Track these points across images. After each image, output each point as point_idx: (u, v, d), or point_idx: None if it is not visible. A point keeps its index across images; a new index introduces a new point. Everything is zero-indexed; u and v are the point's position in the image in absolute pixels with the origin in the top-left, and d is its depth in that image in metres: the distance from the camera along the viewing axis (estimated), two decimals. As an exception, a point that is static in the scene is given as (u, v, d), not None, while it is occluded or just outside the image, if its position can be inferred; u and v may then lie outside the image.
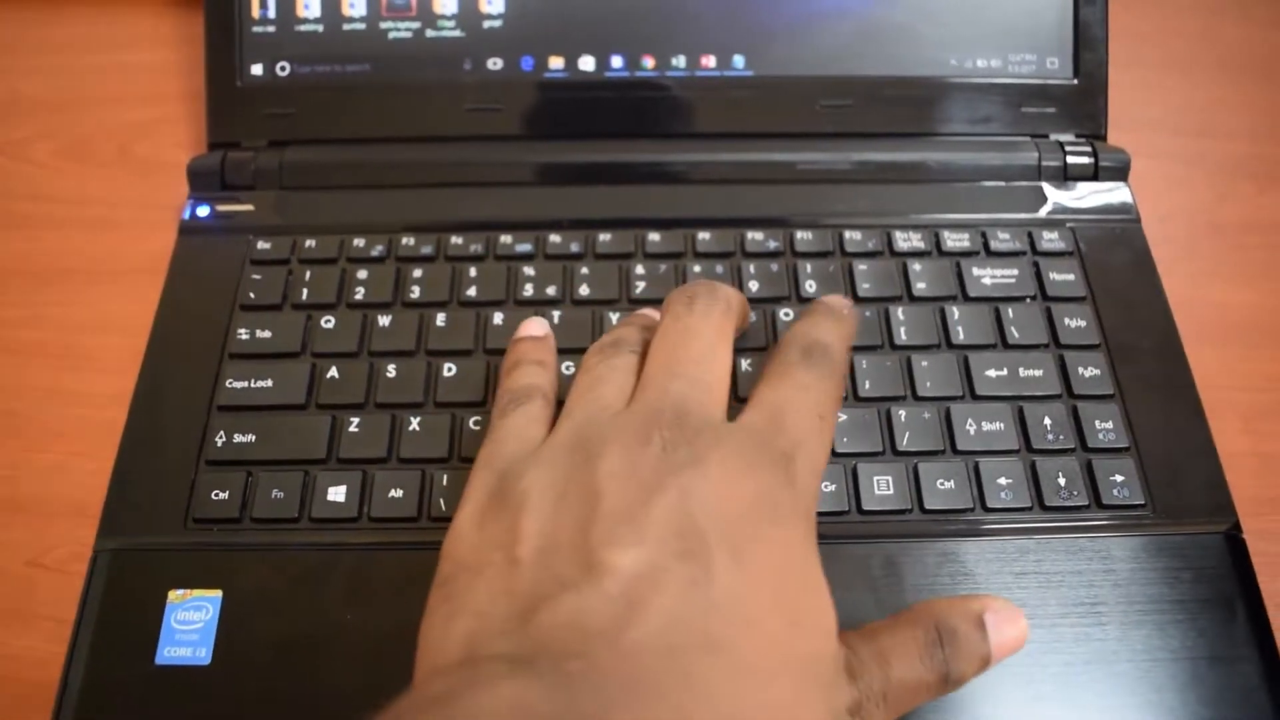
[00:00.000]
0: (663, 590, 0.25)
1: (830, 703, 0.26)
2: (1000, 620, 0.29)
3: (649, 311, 0.37)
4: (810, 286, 0.42)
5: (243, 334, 0.41)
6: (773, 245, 0.44)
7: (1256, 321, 0.45)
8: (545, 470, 0.28)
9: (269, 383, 0.40)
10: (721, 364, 0.32)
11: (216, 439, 0.38)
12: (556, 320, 0.41)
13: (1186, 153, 0.51)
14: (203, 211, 0.45)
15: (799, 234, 0.44)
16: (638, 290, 0.42)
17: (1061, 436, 0.38)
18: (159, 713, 0.34)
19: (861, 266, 0.43)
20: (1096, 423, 0.39)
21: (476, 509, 0.29)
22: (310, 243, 0.44)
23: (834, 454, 0.38)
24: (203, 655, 0.34)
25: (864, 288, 0.42)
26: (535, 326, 0.37)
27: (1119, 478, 0.37)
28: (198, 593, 0.35)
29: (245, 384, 0.40)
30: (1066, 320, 0.41)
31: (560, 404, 0.33)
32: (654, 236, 0.44)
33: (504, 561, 0.26)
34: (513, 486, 0.28)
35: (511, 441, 0.31)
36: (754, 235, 0.44)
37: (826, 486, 0.37)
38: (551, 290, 0.42)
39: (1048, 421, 0.39)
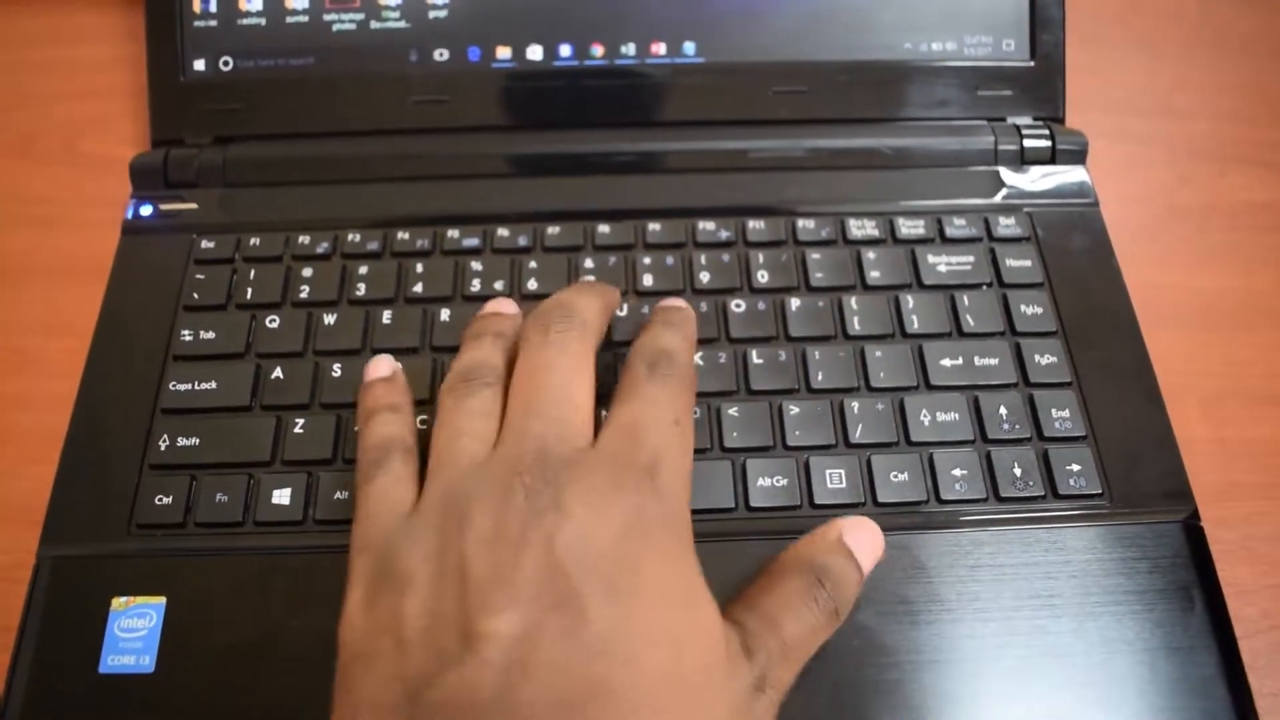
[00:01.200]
0: (541, 646, 0.25)
1: (732, 696, 0.27)
2: (858, 537, 0.32)
3: (500, 308, 0.37)
4: (763, 277, 0.42)
5: (186, 335, 0.40)
6: (724, 235, 0.43)
7: (1216, 305, 0.44)
8: (420, 544, 0.28)
9: (213, 384, 0.39)
10: (581, 390, 0.32)
11: (160, 442, 0.38)
12: (506, 316, 0.40)
13: (1147, 133, 0.50)
14: (145, 210, 0.44)
15: (751, 223, 0.43)
16: (588, 283, 0.42)
17: (1017, 426, 0.38)
18: None
19: (814, 255, 0.42)
20: (1053, 411, 0.38)
21: (362, 594, 0.29)
22: (254, 240, 0.43)
23: (786, 447, 0.37)
24: (146, 663, 0.34)
25: (817, 277, 0.42)
26: (382, 367, 0.36)
27: (1075, 467, 0.37)
28: (141, 600, 0.35)
29: (189, 386, 0.39)
30: (1023, 307, 0.41)
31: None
32: (603, 228, 0.43)
33: (392, 646, 0.26)
34: (392, 566, 0.28)
35: (383, 514, 0.30)
36: (705, 225, 0.43)
37: (778, 481, 0.37)
38: (499, 285, 0.42)
39: (1003, 411, 0.38)
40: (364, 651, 0.27)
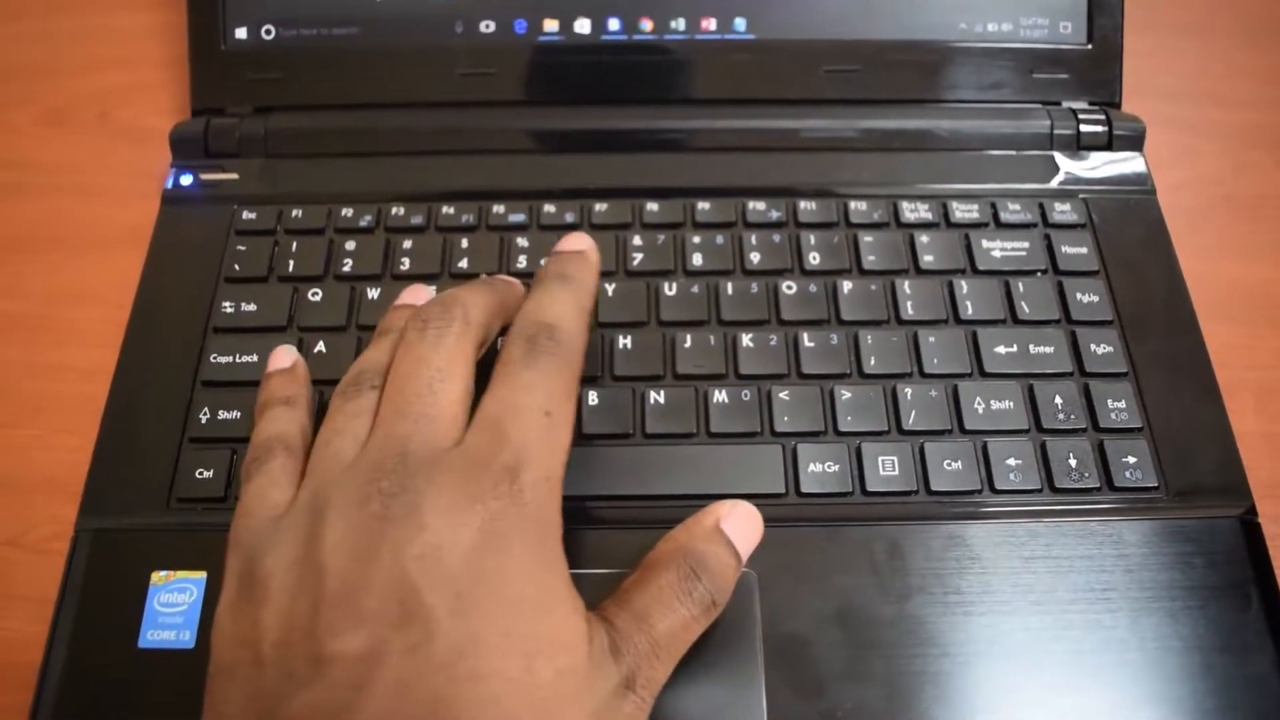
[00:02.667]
0: (385, 665, 0.25)
1: (594, 700, 0.26)
2: (736, 525, 0.31)
3: (414, 298, 0.35)
4: (814, 259, 0.41)
5: (227, 307, 0.40)
6: (775, 215, 0.42)
7: (1270, 297, 0.44)
8: (283, 549, 0.28)
9: (254, 357, 0.39)
10: (455, 386, 0.30)
11: (200, 415, 0.37)
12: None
13: (1200, 121, 0.49)
14: (186, 180, 0.44)
15: (802, 204, 0.42)
16: (635, 262, 0.41)
17: (1073, 416, 0.37)
18: (142, 696, 0.33)
19: (867, 238, 0.41)
20: (1109, 402, 0.38)
21: (230, 597, 0.28)
22: (297, 212, 0.42)
23: (837, 433, 0.37)
24: (187, 639, 0.33)
25: (869, 260, 0.41)
26: (283, 357, 0.35)
27: (1131, 459, 0.36)
28: (181, 574, 0.34)
29: (230, 359, 0.39)
30: (1078, 295, 0.40)
31: None
32: (652, 206, 0.43)
33: (250, 662, 0.26)
34: (256, 571, 0.28)
35: (257, 512, 0.29)
36: (755, 205, 0.42)
37: (829, 467, 0.36)
38: (545, 262, 0.41)
39: (1058, 400, 0.37)
40: (225, 664, 0.27)
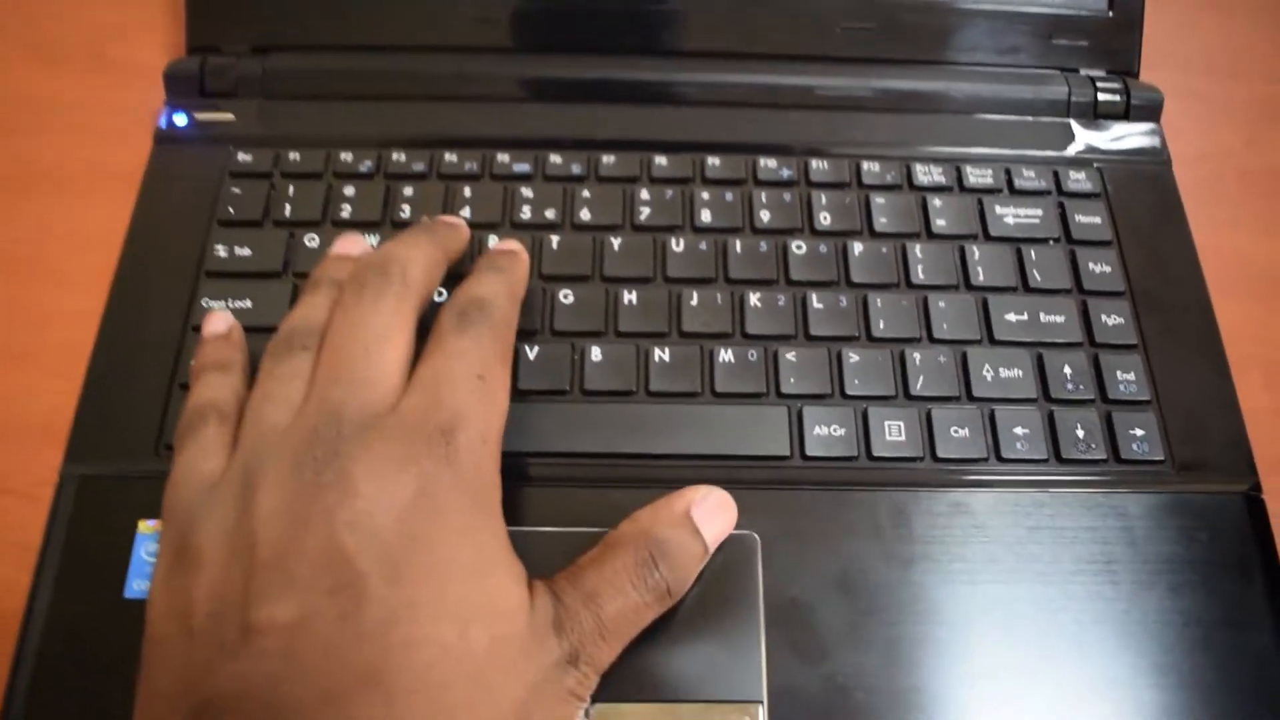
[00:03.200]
0: (314, 634, 0.24)
1: (533, 671, 0.26)
2: (707, 513, 0.31)
3: (347, 249, 0.35)
4: (825, 219, 0.40)
5: (220, 251, 0.39)
6: (786, 174, 0.41)
7: (1279, 274, 0.43)
8: (216, 519, 0.27)
9: (248, 303, 0.37)
10: (393, 349, 0.29)
11: (191, 362, 0.36)
12: (556, 246, 0.39)
13: (1216, 94, 0.48)
14: (180, 120, 0.42)
15: (814, 163, 0.42)
16: (642, 216, 0.40)
17: (1081, 386, 0.37)
18: (127, 646, 0.31)
19: (879, 200, 0.41)
20: (1118, 373, 0.37)
21: (164, 568, 0.27)
22: (294, 155, 0.41)
23: (844, 396, 0.36)
24: (175, 589, 0.32)
25: (881, 222, 0.40)
26: (217, 322, 0.34)
27: (1139, 431, 0.36)
28: (170, 523, 0.33)
29: (222, 304, 0.37)
30: (1091, 265, 0.39)
31: None
32: (660, 160, 0.42)
33: (180, 634, 0.26)
34: (189, 541, 0.27)
35: (191, 481, 0.29)
36: (767, 162, 0.42)
37: (835, 430, 0.35)
38: (550, 214, 0.40)
39: (1067, 370, 0.37)
40: (158, 636, 0.26)
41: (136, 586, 0.33)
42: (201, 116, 0.42)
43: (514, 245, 0.35)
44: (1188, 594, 0.33)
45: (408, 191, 0.40)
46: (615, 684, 0.29)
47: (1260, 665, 0.33)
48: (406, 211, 0.40)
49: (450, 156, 0.41)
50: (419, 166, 0.41)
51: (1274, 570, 0.34)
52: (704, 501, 0.31)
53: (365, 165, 0.41)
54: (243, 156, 0.41)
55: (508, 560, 0.28)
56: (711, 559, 0.31)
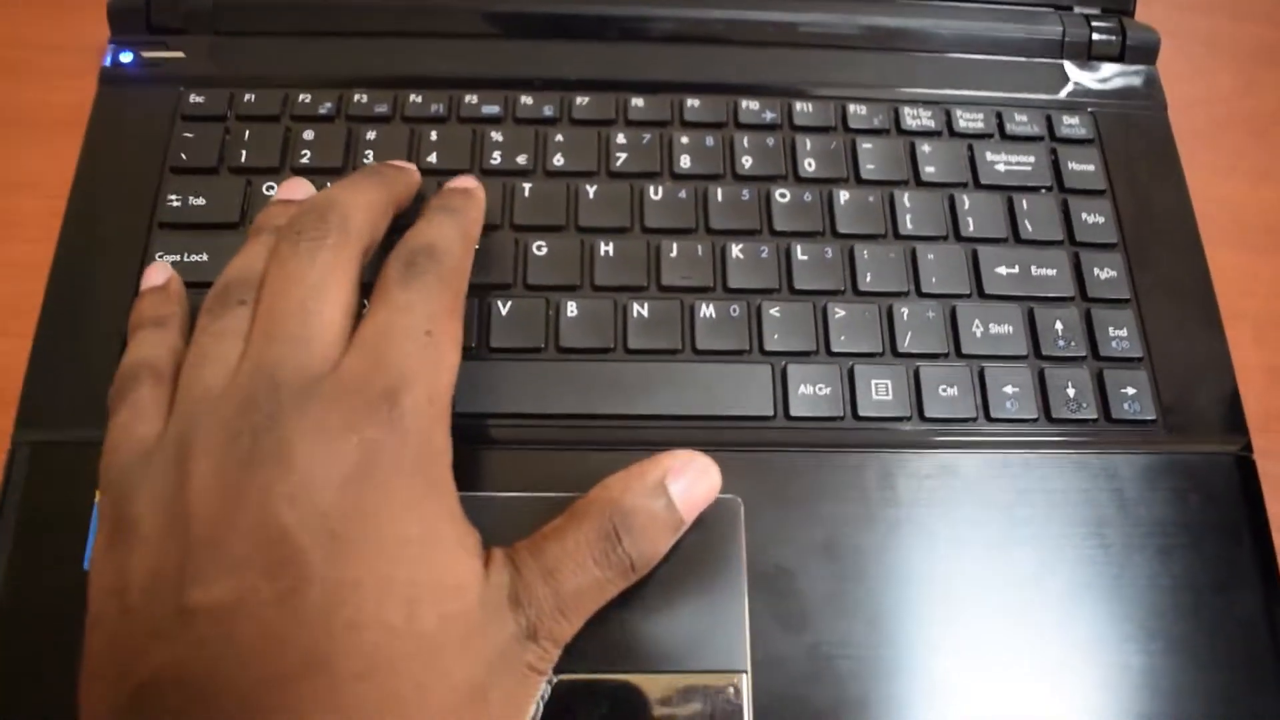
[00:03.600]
0: (252, 616, 0.23)
1: (488, 648, 0.25)
2: (688, 482, 0.29)
3: (291, 193, 0.33)
4: (810, 165, 0.38)
5: (173, 200, 0.36)
6: (769, 117, 0.39)
7: (1273, 224, 0.42)
8: (150, 489, 0.25)
9: (204, 257, 0.35)
10: (332, 305, 0.27)
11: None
12: (528, 194, 0.37)
13: (1213, 33, 0.47)
14: (126, 58, 0.39)
15: (798, 105, 0.40)
16: (618, 162, 0.38)
17: (1073, 343, 0.36)
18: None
19: (866, 145, 0.39)
20: (1110, 329, 0.36)
21: (102, 541, 0.26)
22: (249, 97, 0.39)
23: (830, 353, 0.35)
24: (134, 560, 0.31)
25: (868, 169, 0.38)
26: (156, 273, 0.32)
27: (1130, 390, 0.35)
28: (127, 490, 0.32)
29: (177, 258, 0.35)
30: (1084, 215, 0.38)
31: None
32: (637, 101, 0.39)
33: (118, 614, 0.24)
34: (125, 514, 0.25)
35: (123, 450, 0.27)
36: (749, 104, 0.40)
37: (820, 389, 0.34)
38: (522, 159, 0.38)
39: (1059, 326, 0.36)
40: (97, 614, 0.25)
41: (95, 556, 0.31)
42: (149, 55, 0.40)
43: (469, 182, 0.34)
44: (1179, 557, 0.33)
45: (370, 135, 0.38)
46: (591, 655, 0.29)
47: (1249, 629, 0.32)
48: (370, 157, 0.38)
49: (415, 98, 0.39)
50: (382, 109, 0.39)
51: (1262, 532, 0.34)
52: (684, 469, 0.29)
53: (325, 107, 0.38)
54: (194, 98, 0.39)
55: (458, 531, 0.26)
56: (693, 523, 0.30)
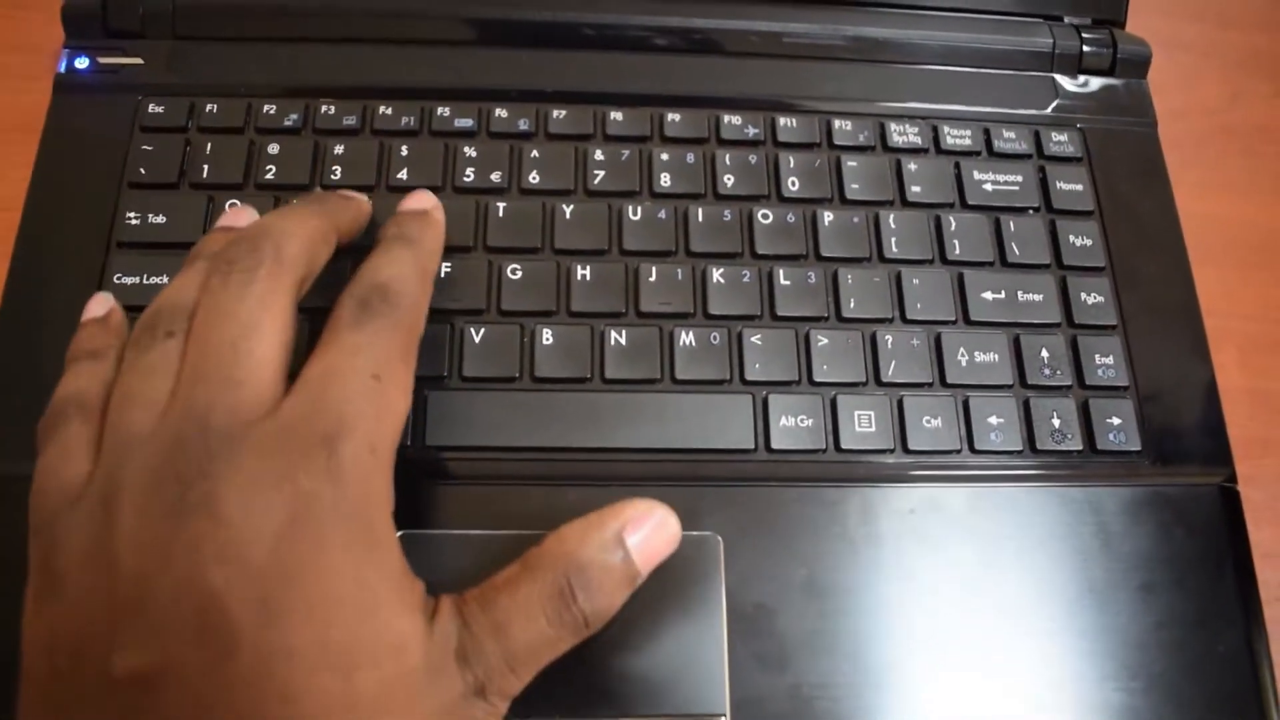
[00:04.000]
0: (179, 687, 0.22)
1: (434, 704, 0.24)
2: (643, 535, 0.27)
3: (234, 220, 0.31)
4: (793, 184, 0.37)
5: (132, 218, 0.35)
6: (751, 132, 0.38)
7: (1258, 241, 0.42)
8: (77, 539, 0.24)
9: (164, 279, 0.34)
10: (265, 342, 0.26)
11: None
12: (501, 214, 0.36)
13: (1200, 43, 0.46)
14: (81, 64, 0.38)
15: (782, 120, 0.39)
16: (596, 180, 0.37)
17: (1059, 372, 0.35)
18: None
19: (851, 163, 0.38)
20: (1096, 357, 0.36)
21: (32, 590, 0.25)
22: (211, 106, 0.37)
23: (812, 383, 0.34)
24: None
25: (852, 188, 0.37)
26: (97, 305, 0.30)
27: (1116, 420, 0.35)
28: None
29: (136, 279, 0.34)
30: (1072, 238, 0.37)
31: None
32: (616, 115, 0.38)
33: (48, 674, 0.24)
34: (51, 564, 0.24)
35: (51, 490, 0.26)
36: (731, 119, 0.38)
37: (802, 421, 0.34)
38: (496, 177, 0.37)
39: (1045, 354, 0.35)
40: (29, 669, 0.24)
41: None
42: (106, 60, 0.38)
43: (426, 203, 0.32)
44: (1160, 593, 0.33)
45: (338, 149, 0.37)
46: (564, 699, 0.28)
47: (1231, 667, 0.32)
48: (338, 173, 0.36)
49: (385, 109, 0.37)
50: (350, 120, 0.37)
51: (1245, 567, 0.33)
52: (642, 522, 0.28)
53: (291, 119, 0.37)
54: (154, 107, 0.37)
55: (399, 589, 0.25)
56: (671, 560, 0.29)
